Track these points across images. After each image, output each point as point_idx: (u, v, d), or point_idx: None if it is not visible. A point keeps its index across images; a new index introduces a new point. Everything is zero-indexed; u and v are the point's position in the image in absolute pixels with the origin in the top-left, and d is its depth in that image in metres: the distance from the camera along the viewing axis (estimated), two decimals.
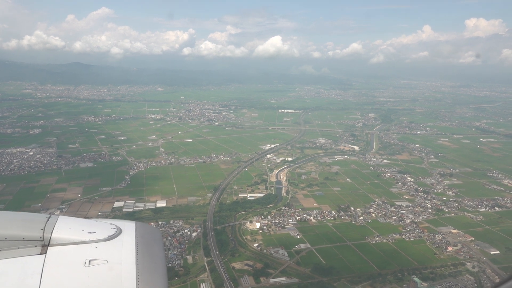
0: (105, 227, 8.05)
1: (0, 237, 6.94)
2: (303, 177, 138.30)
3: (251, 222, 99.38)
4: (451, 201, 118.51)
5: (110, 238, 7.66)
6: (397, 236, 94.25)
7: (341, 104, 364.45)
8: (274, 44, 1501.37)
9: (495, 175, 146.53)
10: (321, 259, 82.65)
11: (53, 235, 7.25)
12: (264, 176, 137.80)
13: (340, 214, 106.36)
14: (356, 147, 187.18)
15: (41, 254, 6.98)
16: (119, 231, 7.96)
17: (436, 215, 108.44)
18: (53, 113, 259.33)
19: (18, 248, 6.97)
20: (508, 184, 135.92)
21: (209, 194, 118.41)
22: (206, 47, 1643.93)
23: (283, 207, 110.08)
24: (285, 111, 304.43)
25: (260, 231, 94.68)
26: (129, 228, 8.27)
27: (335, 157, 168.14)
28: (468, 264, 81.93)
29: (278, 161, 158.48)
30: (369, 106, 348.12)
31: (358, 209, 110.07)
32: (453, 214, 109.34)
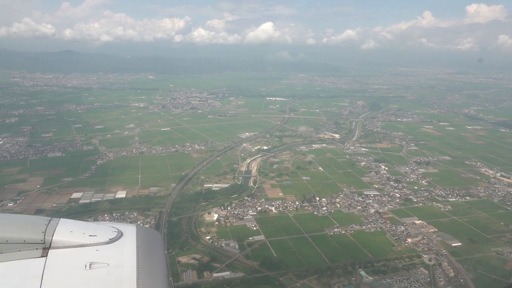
0: (106, 230, 7.96)
1: (1, 240, 6.91)
2: (275, 166, 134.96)
3: (209, 213, 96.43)
4: (422, 190, 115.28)
5: (111, 241, 7.59)
6: (357, 227, 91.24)
7: (332, 91, 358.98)
8: (265, 30, 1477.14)
9: (474, 163, 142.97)
10: (273, 252, 79.79)
11: (54, 238, 7.22)
12: (235, 166, 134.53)
13: (304, 204, 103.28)
14: (337, 135, 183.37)
15: (42, 257, 6.94)
16: (120, 234, 7.88)
17: (404, 205, 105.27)
18: (36, 101, 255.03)
19: (19, 250, 6.95)
20: (485, 173, 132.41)
21: (173, 184, 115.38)
22: (199, 34, 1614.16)
23: (247, 198, 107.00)
24: (273, 98, 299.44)
25: (217, 223, 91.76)
26: (130, 231, 8.18)
27: (313, 145, 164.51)
28: (425, 256, 78.95)
29: (253, 150, 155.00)
30: (360, 93, 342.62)
31: (324, 199, 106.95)
32: (421, 204, 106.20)
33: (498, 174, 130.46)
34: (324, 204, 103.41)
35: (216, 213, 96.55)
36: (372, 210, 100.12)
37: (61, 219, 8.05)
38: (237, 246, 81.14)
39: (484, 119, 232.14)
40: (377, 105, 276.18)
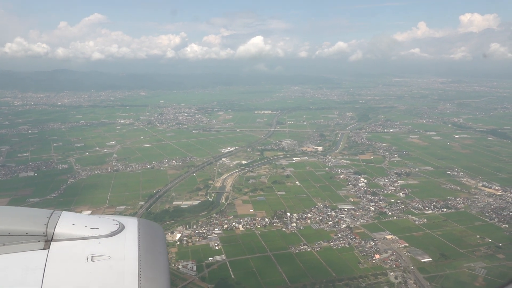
0: (108, 223, 7.90)
1: (3, 232, 6.94)
2: (250, 181, 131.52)
3: (172, 233, 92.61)
4: (398, 202, 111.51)
5: (113, 234, 7.56)
6: (325, 244, 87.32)
7: (322, 103, 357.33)
8: (255, 44, 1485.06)
9: (456, 173, 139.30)
10: (231, 273, 75.83)
11: (56, 231, 7.23)
12: (210, 182, 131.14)
13: (274, 221, 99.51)
14: (320, 148, 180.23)
15: (44, 249, 6.97)
16: (121, 227, 7.83)
17: (377, 218, 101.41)
18: (21, 120, 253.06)
19: (22, 243, 6.96)
20: (467, 183, 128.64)
21: (141, 203, 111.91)
22: (192, 49, 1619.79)
23: (215, 215, 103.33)
24: (262, 112, 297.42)
25: (178, 243, 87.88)
26: (131, 224, 8.10)
27: (294, 159, 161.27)
28: (391, 274, 74.90)
29: (232, 165, 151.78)
30: (350, 104, 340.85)
31: (295, 214, 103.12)
32: (395, 217, 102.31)
33: (480, 184, 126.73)
34: (294, 220, 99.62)
35: (179, 232, 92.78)
36: (344, 225, 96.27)
37: (63, 211, 8.02)
38: (194, 268, 77.24)
39: (472, 127, 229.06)
40: (366, 116, 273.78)
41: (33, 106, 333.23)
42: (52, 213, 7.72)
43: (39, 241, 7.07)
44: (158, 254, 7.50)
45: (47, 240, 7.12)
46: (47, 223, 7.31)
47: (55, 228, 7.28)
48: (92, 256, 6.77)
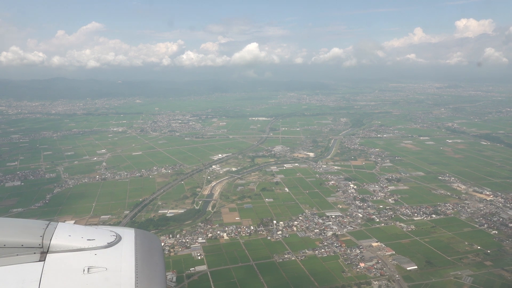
0: (104, 234, 7.85)
1: None
2: (239, 188, 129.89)
3: None
4: (387, 209, 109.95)
5: (110, 245, 7.52)
6: (310, 252, 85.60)
7: (317, 109, 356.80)
8: (250, 51, 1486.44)
9: (447, 178, 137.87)
10: (212, 284, 74.04)
11: (52, 242, 7.15)
12: (198, 189, 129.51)
13: (259, 229, 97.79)
14: (312, 154, 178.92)
15: (40, 261, 6.90)
16: (118, 238, 7.77)
17: (365, 225, 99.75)
18: (13, 129, 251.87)
19: (17, 255, 6.89)
20: (457, 188, 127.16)
21: (127, 212, 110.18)
22: (188, 57, 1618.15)
23: (200, 224, 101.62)
24: (256, 118, 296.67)
25: None
26: (128, 235, 8.04)
27: (285, 165, 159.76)
28: (375, 283, 73.15)
29: (222, 172, 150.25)
30: (345, 110, 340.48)
31: (281, 222, 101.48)
32: (383, 224, 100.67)
33: (471, 189, 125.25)
34: (280, 228, 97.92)
35: (162, 242, 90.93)
36: (330, 233, 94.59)
37: (59, 223, 7.89)
38: (174, 279, 75.38)
39: (466, 132, 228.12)
40: (360, 122, 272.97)
41: (27, 114, 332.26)
42: (48, 225, 7.63)
43: (34, 253, 7.00)
44: (155, 265, 7.38)
45: (43, 252, 7.05)
46: (43, 235, 7.23)
47: (51, 239, 7.20)
48: (88, 268, 6.71)
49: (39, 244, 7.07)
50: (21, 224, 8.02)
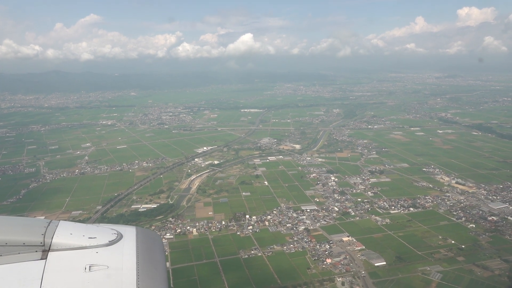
0: (106, 232, 7.83)
1: (0, 242, 6.85)
2: (217, 182, 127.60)
3: None
4: (364, 202, 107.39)
5: (111, 243, 7.49)
6: (278, 248, 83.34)
7: (312, 100, 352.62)
8: (245, 42, 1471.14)
9: (432, 170, 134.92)
10: (171, 282, 71.97)
11: (53, 240, 7.13)
12: (176, 183, 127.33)
13: (230, 224, 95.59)
14: (298, 146, 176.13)
15: (41, 259, 6.88)
16: (119, 236, 7.75)
17: (339, 219, 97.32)
18: (2, 123, 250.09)
19: (19, 253, 6.89)
20: (440, 180, 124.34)
21: (99, 207, 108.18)
22: (184, 48, 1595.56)
23: (171, 219, 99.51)
24: (247, 110, 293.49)
25: None
26: (130, 233, 8.02)
27: (268, 158, 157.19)
28: (339, 280, 70.83)
29: (203, 165, 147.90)
30: (340, 101, 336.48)
31: (254, 217, 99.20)
32: (358, 218, 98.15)
33: (454, 181, 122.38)
34: (252, 223, 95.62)
35: None
36: (302, 228, 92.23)
37: (61, 221, 7.90)
38: None
39: (459, 122, 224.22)
40: (352, 113, 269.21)
41: (19, 108, 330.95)
42: (49, 223, 7.64)
43: (36, 251, 6.96)
44: (156, 263, 7.34)
45: (45, 250, 7.01)
46: (45, 233, 7.20)
47: (52, 238, 7.15)
48: (90, 266, 6.65)
49: (41, 243, 7.02)
50: (23, 222, 8.03)
